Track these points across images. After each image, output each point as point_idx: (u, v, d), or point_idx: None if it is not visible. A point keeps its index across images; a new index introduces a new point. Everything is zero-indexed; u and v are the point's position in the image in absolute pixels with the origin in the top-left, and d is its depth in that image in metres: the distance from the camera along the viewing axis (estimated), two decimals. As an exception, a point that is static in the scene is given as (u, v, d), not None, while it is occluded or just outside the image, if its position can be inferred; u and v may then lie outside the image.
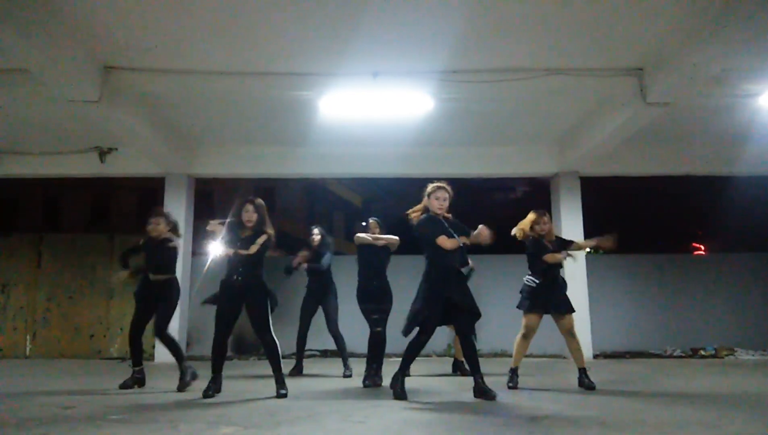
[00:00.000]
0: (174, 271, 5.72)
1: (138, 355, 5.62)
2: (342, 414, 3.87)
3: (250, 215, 5.05)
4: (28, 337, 10.33)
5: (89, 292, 10.41)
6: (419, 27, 6.14)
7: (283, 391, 4.85)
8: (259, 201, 5.16)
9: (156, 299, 5.57)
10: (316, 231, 7.26)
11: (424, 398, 4.70)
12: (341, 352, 6.89)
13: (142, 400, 4.69)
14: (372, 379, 5.70)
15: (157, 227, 5.69)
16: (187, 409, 4.18)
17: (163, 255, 5.62)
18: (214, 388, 4.91)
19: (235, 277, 4.97)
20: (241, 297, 5.00)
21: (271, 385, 4.96)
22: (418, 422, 3.60)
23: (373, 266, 6.06)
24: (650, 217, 18.74)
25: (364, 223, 6.31)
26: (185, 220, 9.75)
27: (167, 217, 5.86)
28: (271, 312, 5.01)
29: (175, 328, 9.23)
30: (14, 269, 10.54)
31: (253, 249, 4.95)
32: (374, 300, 5.93)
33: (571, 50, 6.66)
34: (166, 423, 3.49)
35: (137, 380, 5.55)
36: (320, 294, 7.10)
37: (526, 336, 5.55)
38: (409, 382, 5.94)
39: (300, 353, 7.13)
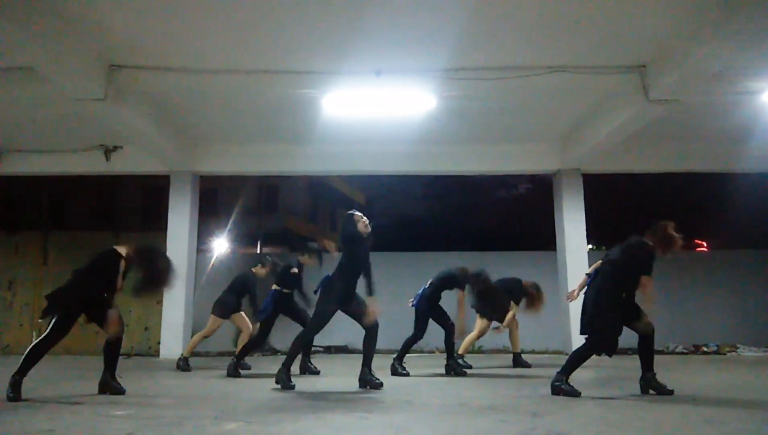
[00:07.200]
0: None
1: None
2: (345, 409, 3.91)
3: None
4: (34, 333, 10.40)
5: (94, 289, 10.49)
6: (422, 25, 6.17)
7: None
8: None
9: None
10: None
11: (426, 394, 4.74)
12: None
13: (147, 396, 4.75)
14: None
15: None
16: (191, 405, 4.23)
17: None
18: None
19: None
20: None
21: (272, 382, 5.02)
22: (420, 417, 3.64)
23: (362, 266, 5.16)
24: (652, 214, 18.77)
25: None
26: (190, 217, 9.82)
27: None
28: None
29: (180, 324, 9.35)
30: (20, 266, 10.63)
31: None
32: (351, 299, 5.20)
33: (574, 48, 6.68)
34: (171, 419, 3.53)
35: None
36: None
37: None
38: (411, 379, 6.00)
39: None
